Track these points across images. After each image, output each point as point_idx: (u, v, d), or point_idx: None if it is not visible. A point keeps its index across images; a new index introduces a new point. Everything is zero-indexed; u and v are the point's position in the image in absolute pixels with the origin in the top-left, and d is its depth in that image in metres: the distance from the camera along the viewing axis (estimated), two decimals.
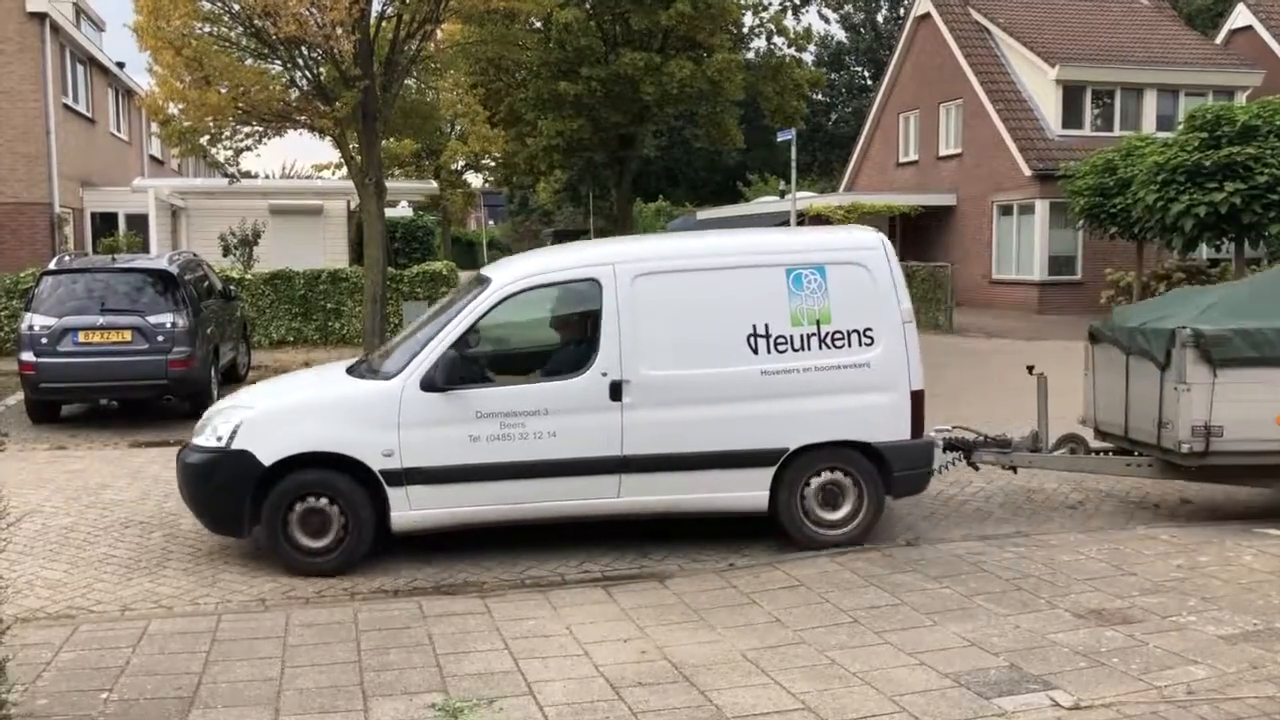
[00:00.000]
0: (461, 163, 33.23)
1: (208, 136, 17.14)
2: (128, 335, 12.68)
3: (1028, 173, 27.67)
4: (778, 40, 30.52)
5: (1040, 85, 28.83)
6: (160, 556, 7.89)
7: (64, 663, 5.80)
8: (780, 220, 30.87)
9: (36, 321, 12.75)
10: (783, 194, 36.66)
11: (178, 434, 11.06)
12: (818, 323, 7.68)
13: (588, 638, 6.05)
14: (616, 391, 7.48)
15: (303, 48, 15.62)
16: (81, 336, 12.65)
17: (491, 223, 58.03)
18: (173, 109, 16.31)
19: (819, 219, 31.81)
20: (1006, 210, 29.24)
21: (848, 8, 54.29)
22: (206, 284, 14.87)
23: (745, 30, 30.72)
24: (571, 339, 8.08)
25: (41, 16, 23.20)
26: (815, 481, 7.79)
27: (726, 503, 7.77)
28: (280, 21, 14.56)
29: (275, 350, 19.89)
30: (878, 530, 8.44)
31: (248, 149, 17.53)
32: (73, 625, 6.45)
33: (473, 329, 7.59)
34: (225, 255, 22.17)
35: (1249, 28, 31.37)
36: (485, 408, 7.41)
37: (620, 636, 6.07)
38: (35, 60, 23.28)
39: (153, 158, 33.17)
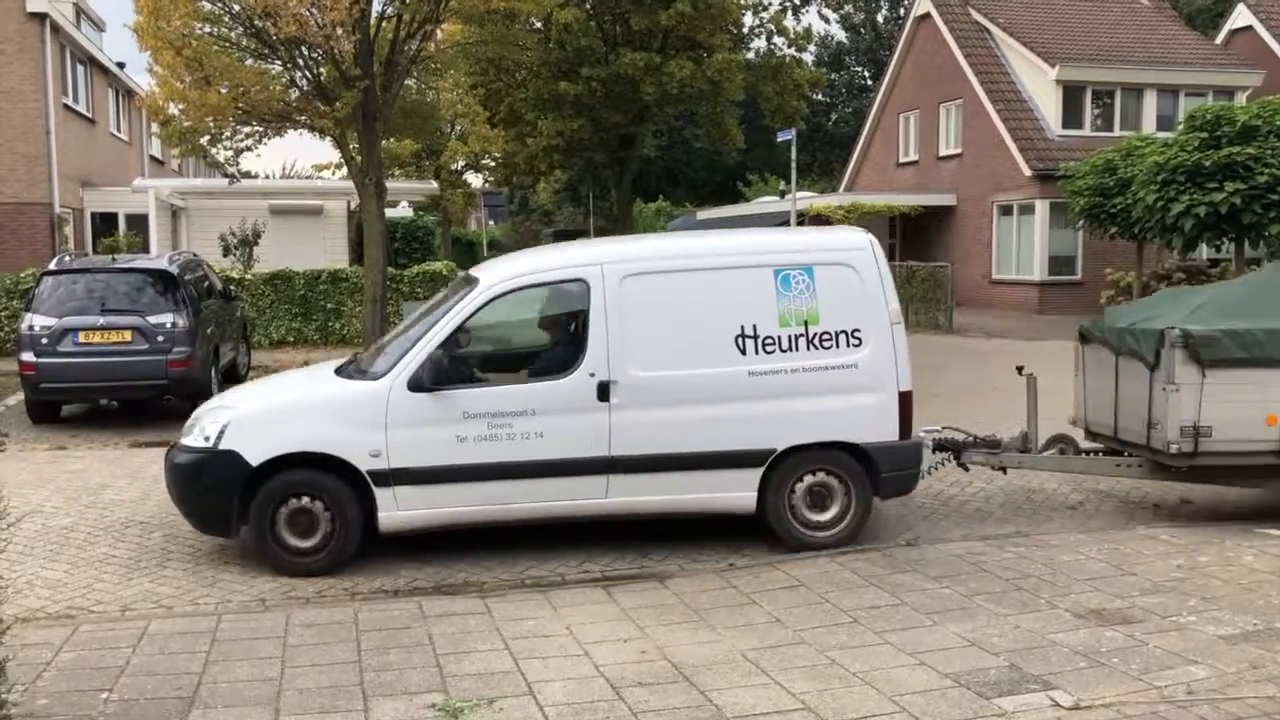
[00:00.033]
0: (461, 163, 33.22)
1: (208, 137, 17.16)
2: (128, 335, 12.68)
3: (1028, 173, 27.67)
4: (778, 40, 30.57)
5: (1040, 85, 28.84)
6: (160, 557, 7.90)
7: (64, 663, 5.80)
8: (780, 220, 30.87)
9: (37, 322, 12.75)
10: (783, 194, 36.66)
11: (178, 434, 11.04)
12: (806, 323, 7.68)
13: (588, 638, 6.05)
14: (604, 392, 7.47)
15: (303, 48, 15.63)
16: (82, 337, 12.64)
17: (492, 223, 58.03)
18: (173, 109, 16.32)
19: (819, 219, 31.81)
20: (1006, 210, 29.25)
21: (848, 8, 54.27)
22: (207, 284, 14.87)
23: (745, 30, 30.76)
24: (559, 339, 8.09)
25: (42, 17, 23.21)
26: (803, 483, 7.77)
27: (714, 503, 7.76)
28: (280, 22, 14.57)
29: (275, 350, 19.89)
30: (878, 530, 8.45)
31: (248, 149, 17.56)
32: (73, 625, 6.45)
33: (460, 329, 7.60)
34: (225, 255, 22.18)
35: (1249, 28, 31.38)
36: (473, 408, 7.40)
37: (620, 636, 6.07)
38: (35, 60, 23.28)
39: (153, 158, 33.17)
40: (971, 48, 30.50)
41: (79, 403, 13.87)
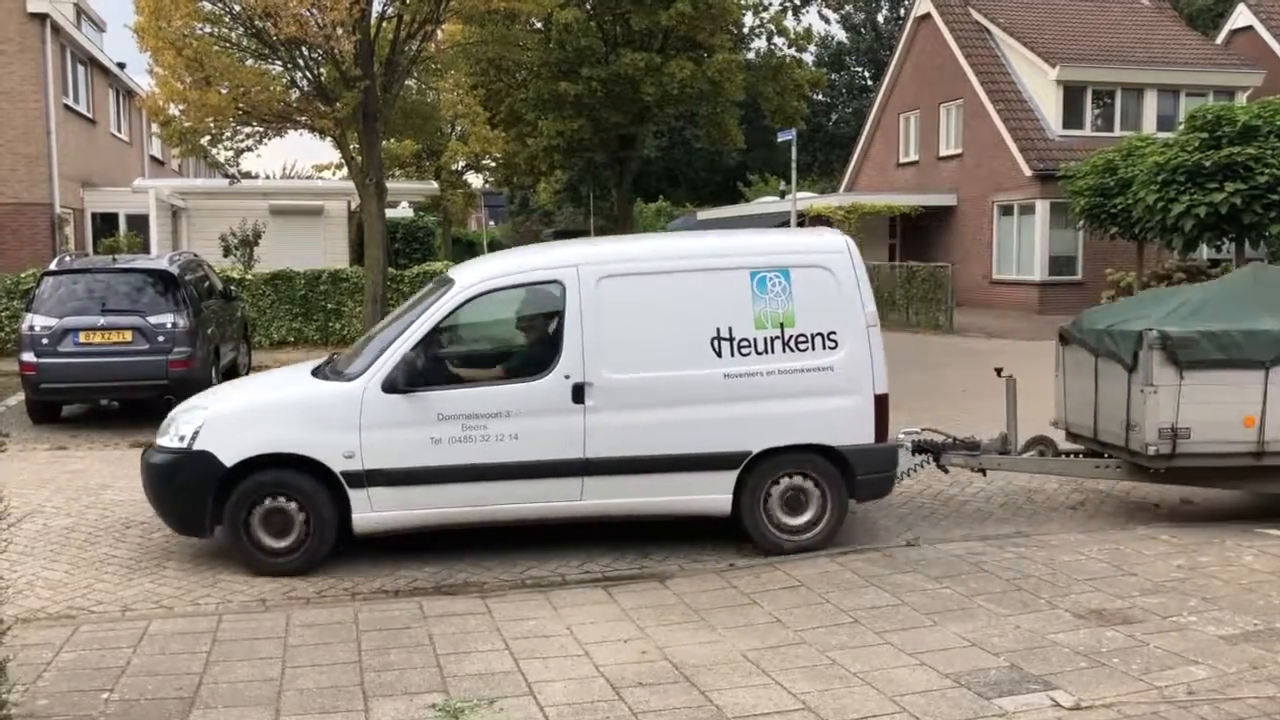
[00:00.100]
0: (462, 163, 33.22)
1: (208, 137, 17.17)
2: (128, 336, 12.69)
3: (1028, 173, 27.68)
4: (778, 40, 30.60)
5: (1041, 85, 28.84)
6: (161, 557, 7.90)
7: (65, 663, 5.80)
8: (781, 221, 30.90)
9: (37, 322, 12.75)
10: (783, 194, 36.68)
11: None
12: (781, 326, 7.65)
13: (588, 638, 6.05)
14: (579, 394, 7.46)
15: (303, 48, 15.64)
16: (82, 337, 12.65)
17: (492, 223, 58.00)
18: (173, 109, 16.33)
19: (819, 219, 31.82)
20: (1007, 210, 29.25)
21: (848, 8, 54.27)
22: (207, 284, 14.87)
23: (745, 30, 30.77)
24: (535, 341, 8.08)
25: (42, 17, 23.21)
26: (778, 486, 7.74)
27: (689, 506, 7.75)
28: (281, 22, 14.58)
29: (276, 350, 19.89)
30: (878, 531, 8.46)
31: (248, 149, 17.58)
32: (73, 625, 6.45)
33: (436, 330, 7.59)
34: (226, 255, 22.17)
35: (1249, 28, 31.38)
36: (447, 409, 7.39)
37: (621, 637, 6.08)
38: (36, 61, 23.28)
39: (153, 158, 33.17)
40: (972, 48, 30.51)
41: (79, 403, 13.87)
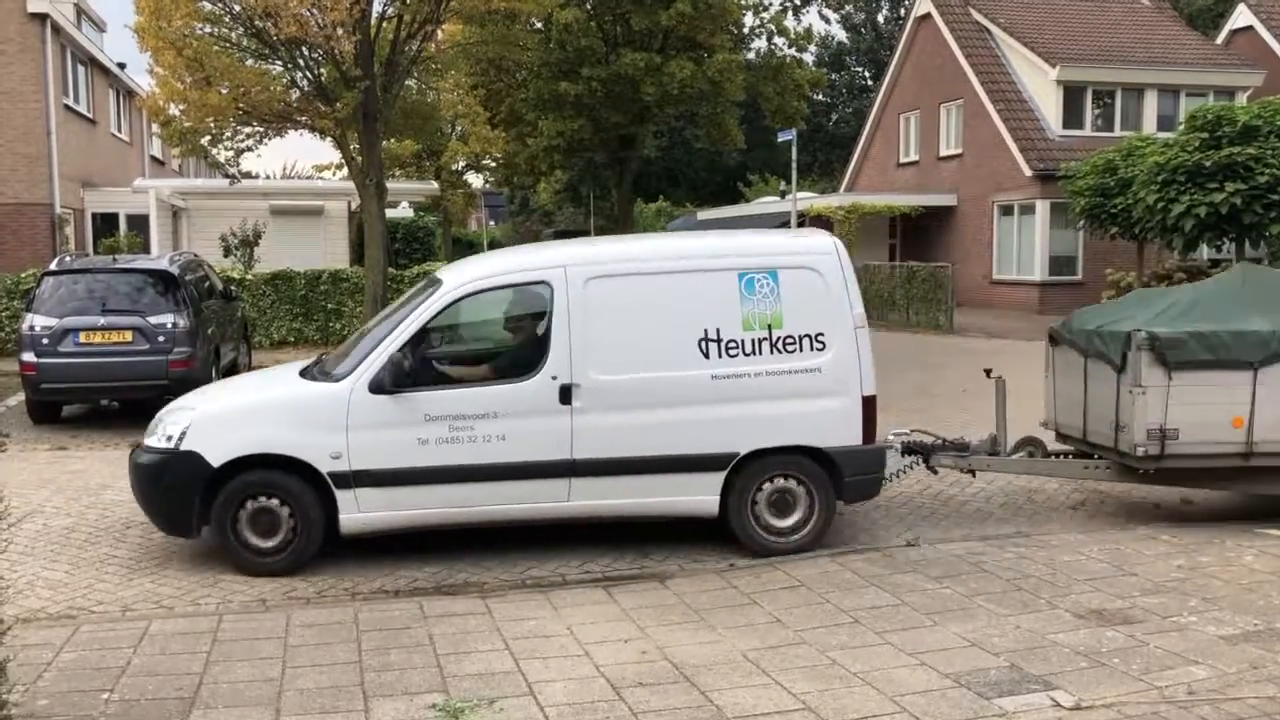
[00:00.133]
0: (462, 163, 33.24)
1: (208, 137, 17.17)
2: (129, 336, 12.69)
3: (1028, 173, 27.68)
4: (778, 40, 30.55)
5: (1041, 85, 28.84)
6: (161, 557, 7.90)
7: (65, 663, 5.80)
8: (781, 221, 30.89)
9: (37, 322, 12.75)
10: (783, 194, 36.67)
11: None
12: (769, 327, 7.64)
13: (588, 638, 6.05)
14: (566, 395, 7.45)
15: (303, 48, 15.63)
16: (82, 337, 12.65)
17: (492, 223, 58.00)
18: (174, 109, 16.33)
19: (820, 219, 31.83)
20: (1007, 210, 29.25)
21: (848, 8, 54.28)
22: (207, 284, 14.88)
23: (746, 30, 30.74)
24: (522, 342, 8.07)
25: (42, 17, 23.21)
26: (766, 488, 7.72)
27: (677, 507, 7.74)
28: (281, 22, 14.58)
29: (276, 350, 19.88)
30: (878, 531, 8.46)
31: (248, 149, 17.57)
32: (74, 626, 6.45)
33: (423, 331, 7.59)
34: (226, 256, 22.18)
35: (1250, 28, 31.38)
36: (434, 410, 7.39)
37: (621, 637, 6.08)
38: (36, 61, 23.28)
39: (153, 158, 33.18)
40: (972, 48, 30.51)
41: (80, 403, 13.88)
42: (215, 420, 7.60)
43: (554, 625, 6.28)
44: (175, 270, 13.42)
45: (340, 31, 14.62)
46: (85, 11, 29.70)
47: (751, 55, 31.38)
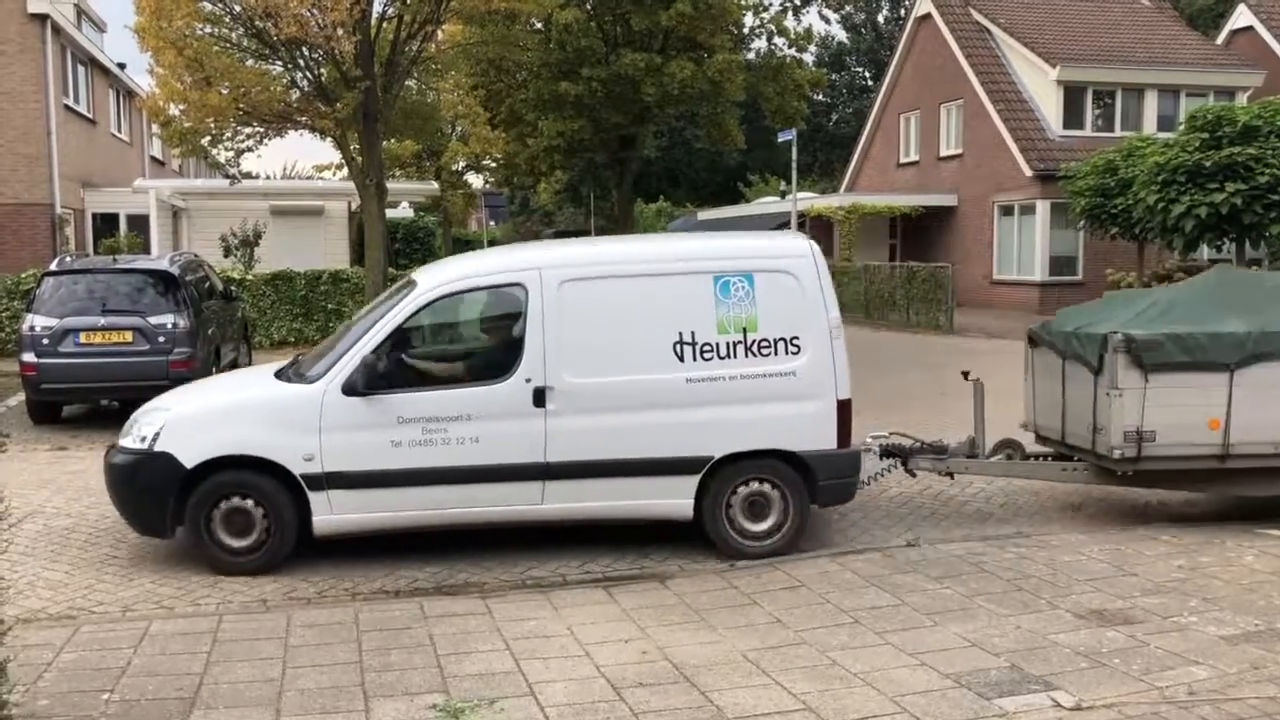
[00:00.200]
0: (462, 163, 33.23)
1: (209, 137, 17.18)
2: (129, 336, 12.69)
3: (1029, 173, 27.68)
4: (778, 41, 30.54)
5: (1041, 86, 28.84)
6: (162, 557, 7.89)
7: (65, 663, 5.80)
8: (781, 221, 30.90)
9: (38, 322, 12.75)
10: (783, 194, 36.68)
11: None
12: (744, 330, 7.62)
13: (589, 638, 6.05)
14: (540, 398, 7.43)
15: (304, 49, 15.64)
16: (83, 337, 12.65)
17: (493, 223, 57.99)
18: (174, 110, 16.34)
19: (820, 220, 31.86)
20: (1007, 210, 29.25)
21: (848, 8, 54.26)
22: (207, 285, 14.88)
23: (746, 31, 30.73)
24: (496, 344, 8.05)
25: (43, 18, 23.21)
26: (741, 491, 7.70)
27: (651, 510, 7.72)
28: (281, 22, 14.59)
29: (276, 351, 19.86)
30: (878, 531, 8.46)
31: (249, 150, 17.60)
32: (74, 626, 6.45)
33: (397, 332, 7.57)
34: (226, 256, 22.19)
35: (1250, 28, 31.38)
36: (407, 412, 7.37)
37: (621, 637, 6.08)
38: (36, 61, 23.28)
39: (154, 158, 33.18)
40: (972, 48, 30.51)
41: (80, 403, 13.87)
42: (189, 421, 7.61)
43: (554, 625, 6.28)
44: (175, 270, 13.43)
45: (340, 32, 14.63)
46: (85, 12, 29.71)
47: (751, 55, 31.37)
